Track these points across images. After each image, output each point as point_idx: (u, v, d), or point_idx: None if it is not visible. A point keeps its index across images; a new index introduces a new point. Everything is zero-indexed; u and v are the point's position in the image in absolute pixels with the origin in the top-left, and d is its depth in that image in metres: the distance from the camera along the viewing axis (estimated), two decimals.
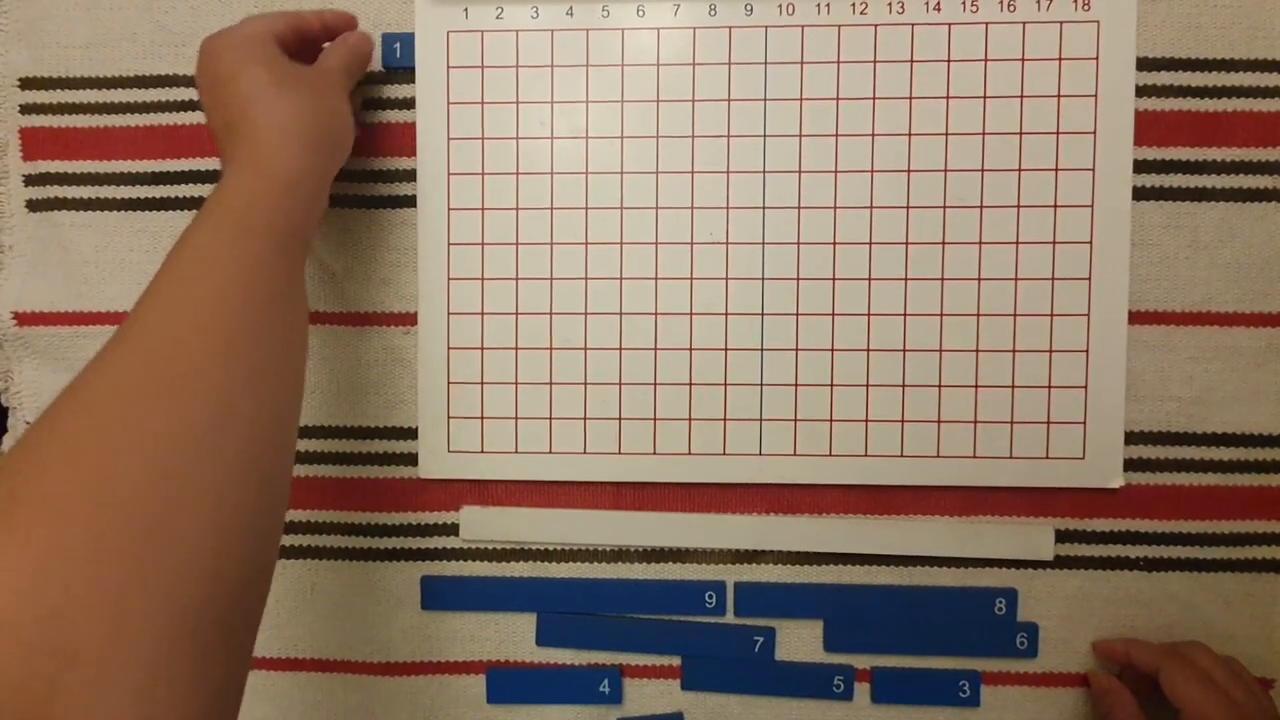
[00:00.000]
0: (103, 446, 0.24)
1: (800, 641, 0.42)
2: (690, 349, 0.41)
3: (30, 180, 0.43)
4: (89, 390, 0.25)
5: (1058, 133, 0.40)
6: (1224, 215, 0.40)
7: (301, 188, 0.32)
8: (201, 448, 0.25)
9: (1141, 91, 0.40)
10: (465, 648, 0.43)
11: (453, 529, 0.43)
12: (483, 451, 0.42)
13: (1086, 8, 0.39)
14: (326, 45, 0.38)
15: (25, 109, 0.43)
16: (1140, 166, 0.40)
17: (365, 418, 0.43)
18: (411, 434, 0.43)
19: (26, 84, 0.43)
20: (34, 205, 0.43)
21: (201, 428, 0.25)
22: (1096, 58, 0.40)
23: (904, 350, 0.40)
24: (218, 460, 0.25)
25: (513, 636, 0.43)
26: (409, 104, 0.42)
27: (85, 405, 0.25)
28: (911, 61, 0.40)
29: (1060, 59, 0.40)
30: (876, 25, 0.40)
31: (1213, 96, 0.40)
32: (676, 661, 0.42)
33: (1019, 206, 0.40)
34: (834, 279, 0.41)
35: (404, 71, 0.42)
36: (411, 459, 0.43)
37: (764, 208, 0.41)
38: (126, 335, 0.27)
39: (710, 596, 0.42)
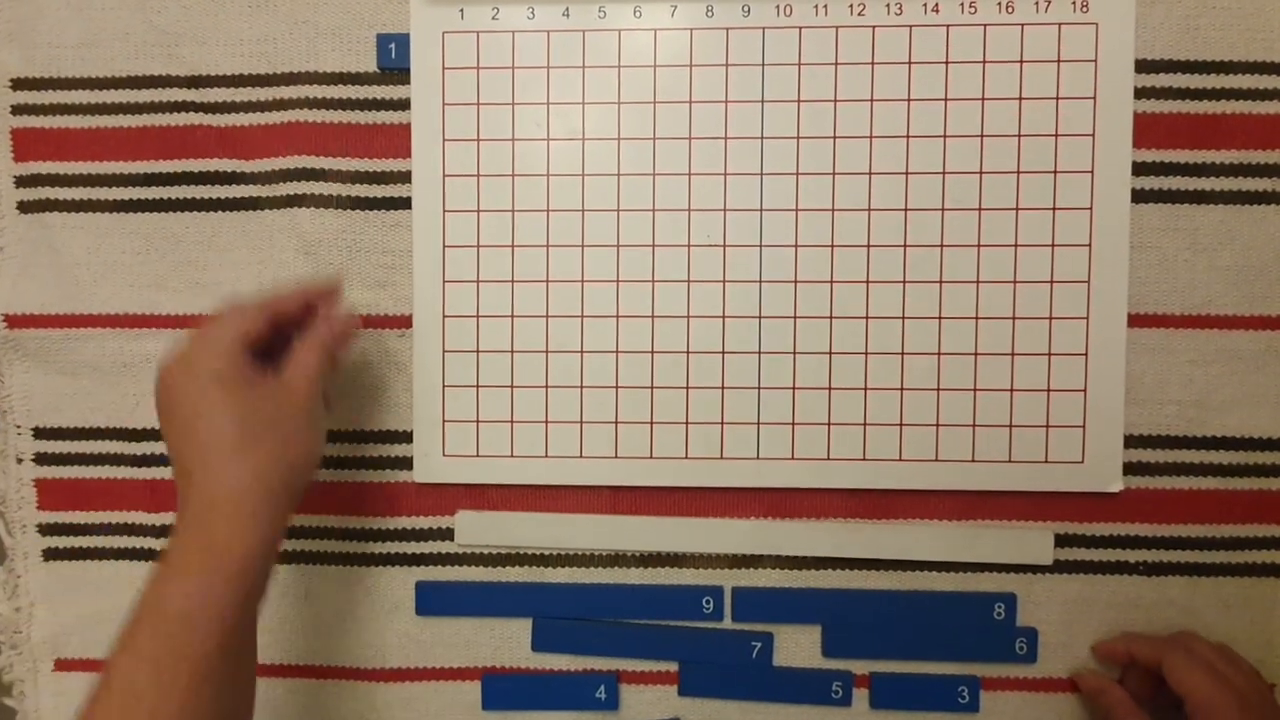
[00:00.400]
0: None
1: (798, 647, 0.42)
2: (687, 352, 0.41)
3: (21, 181, 0.42)
4: None
5: (1056, 135, 0.40)
6: (1223, 218, 0.40)
7: (255, 569, 0.31)
8: None
9: (1140, 94, 0.40)
10: (460, 653, 0.42)
11: (448, 534, 0.42)
12: (478, 455, 0.42)
13: (1085, 9, 0.39)
14: (300, 341, 0.35)
15: (16, 109, 0.42)
16: (1139, 169, 0.40)
17: (359, 421, 0.42)
18: (406, 438, 0.42)
19: (18, 84, 0.42)
20: (25, 207, 0.43)
21: None
22: (1095, 59, 0.39)
23: (902, 354, 0.40)
24: None
25: (508, 642, 0.42)
26: (404, 105, 0.41)
27: None
28: (909, 63, 0.40)
29: (1059, 61, 0.39)
30: (874, 27, 0.40)
31: (1211, 99, 0.40)
32: (674, 667, 0.42)
33: (1017, 209, 0.40)
34: (831, 282, 0.40)
35: (399, 73, 0.41)
36: (406, 463, 0.42)
37: (761, 210, 0.40)
38: None
39: (708, 601, 0.41)
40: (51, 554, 0.44)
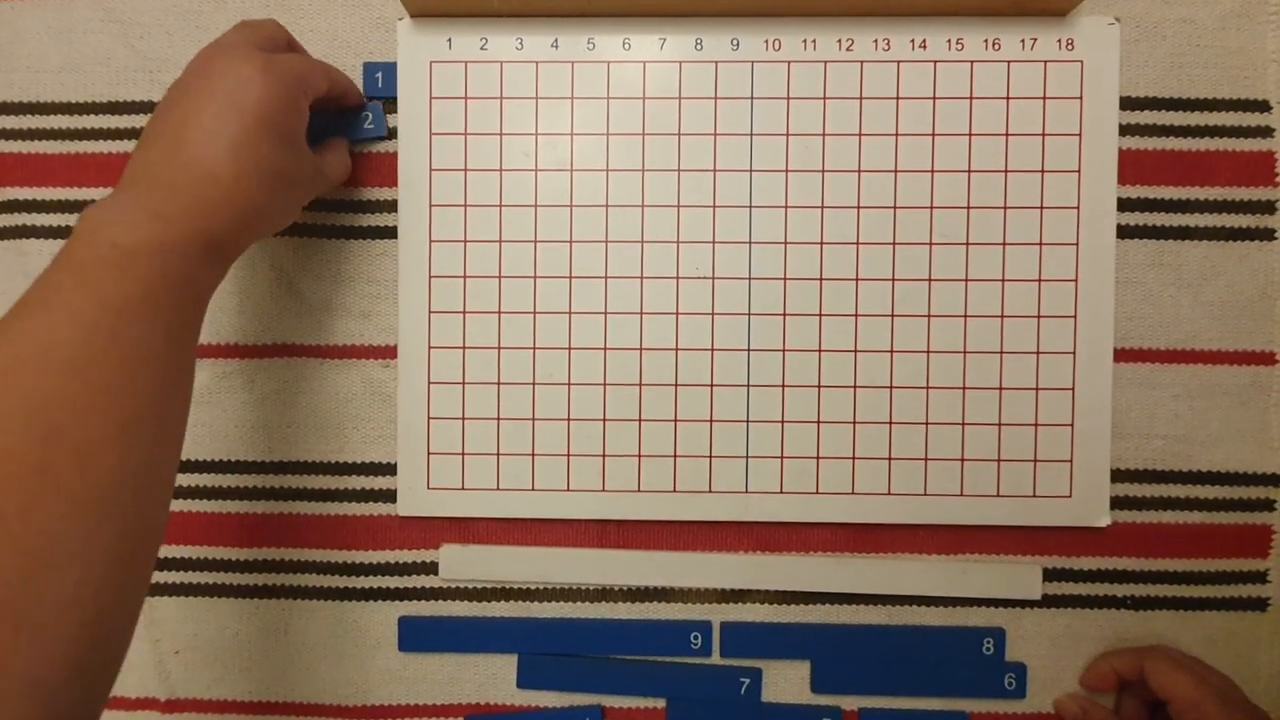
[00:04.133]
0: None
1: (787, 682, 0.41)
2: (676, 384, 0.40)
3: None
4: None
5: (1043, 171, 0.40)
6: (1207, 254, 0.40)
7: (225, 251, 0.31)
8: (74, 525, 0.24)
9: (1125, 130, 0.40)
10: (444, 690, 0.42)
11: (432, 568, 0.42)
12: (463, 488, 0.41)
13: (1070, 47, 0.40)
14: (336, 143, 0.39)
15: None
16: (1124, 205, 0.40)
17: (343, 453, 0.42)
18: (390, 470, 0.42)
19: None
20: (1, 233, 0.42)
21: (77, 504, 0.24)
22: (1080, 97, 0.40)
23: (891, 387, 0.40)
24: (90, 542, 0.24)
25: (493, 678, 0.42)
26: (390, 134, 0.41)
27: None
28: (897, 98, 0.40)
29: (1044, 98, 0.40)
30: (863, 62, 0.40)
31: (1195, 136, 0.40)
32: (661, 704, 0.41)
33: (1004, 244, 0.40)
34: (820, 315, 0.40)
35: (386, 101, 0.41)
36: (390, 496, 0.42)
37: (750, 242, 0.40)
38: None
39: (696, 637, 0.41)
40: None
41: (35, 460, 0.24)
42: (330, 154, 0.38)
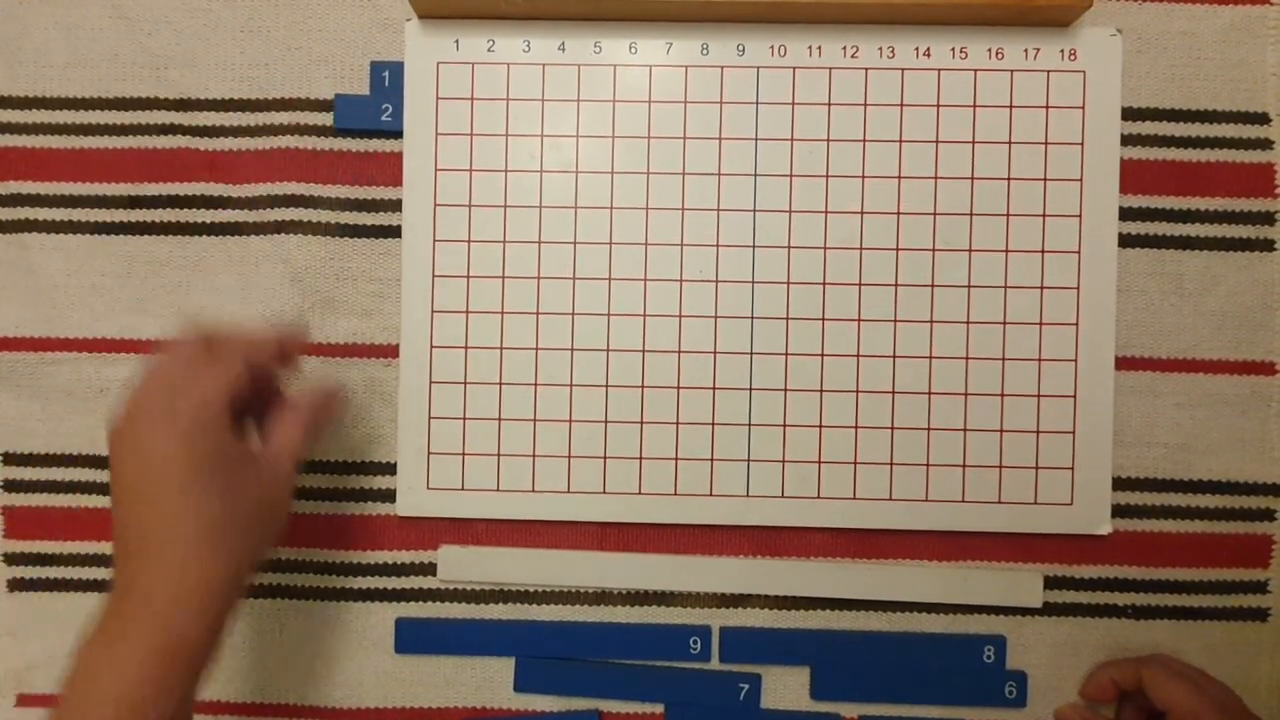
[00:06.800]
0: None
1: (786, 689, 0.41)
2: (678, 387, 0.40)
3: (0, 201, 0.42)
4: None
5: (1045, 179, 0.40)
6: (1207, 263, 0.41)
7: (210, 654, 0.29)
8: None
9: (1127, 140, 0.40)
10: (440, 693, 0.41)
11: (430, 569, 0.41)
12: (463, 489, 0.41)
13: (1073, 58, 0.40)
14: (289, 412, 0.34)
15: None
16: (1125, 214, 0.40)
17: (342, 452, 0.42)
18: (390, 469, 0.41)
19: (1, 103, 0.41)
20: (3, 226, 0.42)
21: None
22: (1083, 106, 0.40)
23: (893, 392, 0.40)
24: None
25: (490, 682, 0.41)
26: (396, 133, 0.41)
27: None
28: (901, 105, 0.40)
29: (1047, 107, 0.40)
30: (867, 69, 0.40)
31: (1196, 147, 0.41)
32: (659, 709, 0.41)
33: (1007, 251, 0.40)
34: (823, 319, 0.40)
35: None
36: (389, 495, 0.41)
37: (754, 246, 0.40)
38: None
39: (695, 641, 0.41)
40: (17, 584, 0.42)
41: None
42: (276, 435, 0.33)
